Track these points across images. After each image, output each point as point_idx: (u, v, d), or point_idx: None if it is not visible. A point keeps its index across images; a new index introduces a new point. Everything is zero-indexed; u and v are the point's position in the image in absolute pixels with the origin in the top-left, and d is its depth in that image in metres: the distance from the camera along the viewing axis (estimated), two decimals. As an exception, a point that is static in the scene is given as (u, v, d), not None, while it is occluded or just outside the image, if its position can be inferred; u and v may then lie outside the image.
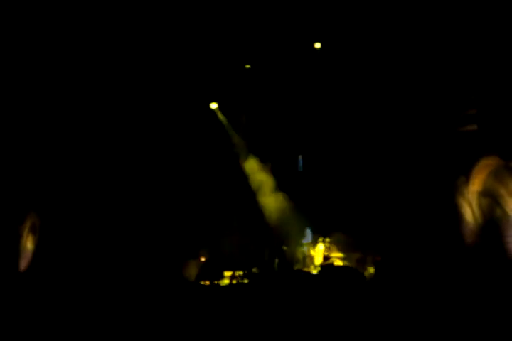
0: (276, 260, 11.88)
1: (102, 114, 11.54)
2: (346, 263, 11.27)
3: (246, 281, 10.86)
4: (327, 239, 11.73)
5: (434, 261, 9.21)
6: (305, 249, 12.09)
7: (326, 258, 11.33)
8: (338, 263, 11.31)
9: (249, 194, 12.88)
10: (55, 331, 6.30)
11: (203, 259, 12.10)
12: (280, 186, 12.94)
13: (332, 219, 12.06)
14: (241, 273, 11.40)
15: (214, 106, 12.85)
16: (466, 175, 9.97)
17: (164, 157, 12.17)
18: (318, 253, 11.69)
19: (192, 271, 11.64)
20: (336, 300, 7.19)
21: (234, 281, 11.09)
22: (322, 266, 11.16)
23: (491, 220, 9.61)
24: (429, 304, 6.50)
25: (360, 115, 12.22)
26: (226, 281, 11.15)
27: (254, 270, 11.53)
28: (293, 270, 11.37)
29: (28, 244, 10.41)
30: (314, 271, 10.96)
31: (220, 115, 12.93)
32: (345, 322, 6.17)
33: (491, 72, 10.05)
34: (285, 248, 12.23)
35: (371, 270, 10.54)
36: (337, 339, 5.85)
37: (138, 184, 11.83)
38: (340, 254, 11.49)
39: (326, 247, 11.64)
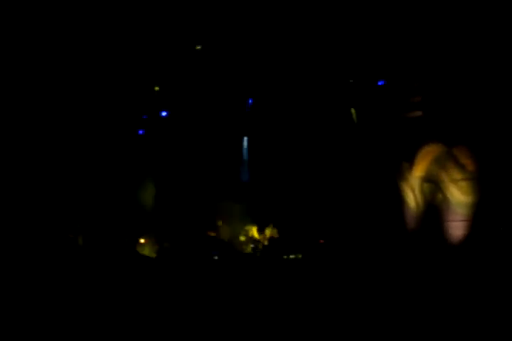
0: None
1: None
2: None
3: None
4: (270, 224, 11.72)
5: (377, 245, 9.37)
6: (248, 232, 12.04)
7: (270, 241, 11.30)
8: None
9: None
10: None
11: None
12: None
13: (275, 202, 12.03)
14: None
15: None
16: (410, 160, 10.12)
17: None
18: (261, 236, 11.67)
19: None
20: (280, 281, 7.19)
21: None
22: (265, 248, 11.14)
23: (432, 205, 9.83)
24: (372, 288, 6.54)
25: (305, 100, 12.19)
26: None
27: None
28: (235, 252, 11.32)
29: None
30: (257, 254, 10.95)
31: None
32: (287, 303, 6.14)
33: (437, 59, 10.16)
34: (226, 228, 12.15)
35: None
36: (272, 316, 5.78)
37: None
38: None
39: (269, 231, 11.63)
